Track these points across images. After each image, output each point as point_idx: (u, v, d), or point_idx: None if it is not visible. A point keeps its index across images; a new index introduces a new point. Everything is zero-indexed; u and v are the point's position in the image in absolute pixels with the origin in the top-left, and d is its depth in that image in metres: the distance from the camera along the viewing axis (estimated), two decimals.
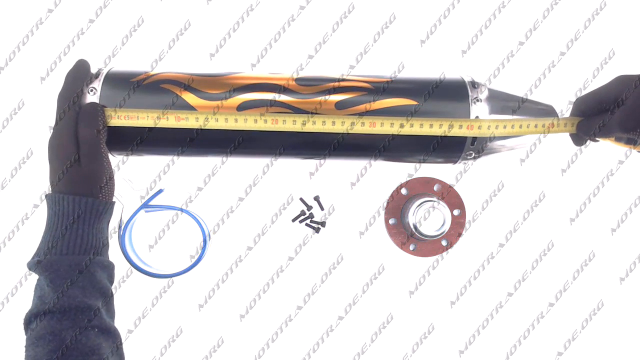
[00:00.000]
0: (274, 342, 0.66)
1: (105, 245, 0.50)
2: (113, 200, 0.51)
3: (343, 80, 0.53)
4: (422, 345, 0.67)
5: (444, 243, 0.67)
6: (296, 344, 0.67)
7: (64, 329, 0.43)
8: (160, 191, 0.65)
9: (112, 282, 0.50)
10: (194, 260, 0.64)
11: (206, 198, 0.67)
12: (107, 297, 0.48)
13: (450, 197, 0.67)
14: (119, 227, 0.64)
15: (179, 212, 0.65)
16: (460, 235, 0.67)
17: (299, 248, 0.67)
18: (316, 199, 0.68)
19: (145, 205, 0.64)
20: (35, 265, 0.46)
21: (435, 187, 0.68)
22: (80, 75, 0.51)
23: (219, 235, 0.67)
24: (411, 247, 0.67)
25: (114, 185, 0.51)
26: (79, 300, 0.44)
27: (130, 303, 0.65)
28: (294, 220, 0.68)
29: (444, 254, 0.67)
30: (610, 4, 0.68)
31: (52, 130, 0.50)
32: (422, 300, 0.67)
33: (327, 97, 0.51)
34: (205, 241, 0.65)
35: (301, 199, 0.68)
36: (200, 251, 0.65)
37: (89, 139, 0.49)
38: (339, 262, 0.67)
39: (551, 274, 0.67)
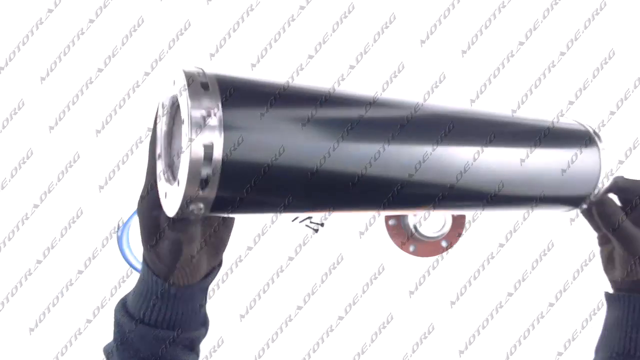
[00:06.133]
0: (274, 342, 0.66)
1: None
2: (193, 282, 0.39)
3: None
4: (422, 345, 0.67)
5: (444, 244, 0.67)
6: (296, 344, 0.67)
7: None
8: None
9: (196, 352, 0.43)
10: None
11: None
12: None
13: None
14: (118, 227, 0.64)
15: None
16: (460, 235, 0.67)
17: (299, 248, 0.67)
18: None
19: None
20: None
21: None
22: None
23: None
24: (411, 248, 0.67)
25: (194, 266, 0.38)
26: None
27: None
28: (293, 220, 0.68)
29: (444, 254, 0.67)
30: (610, 4, 0.68)
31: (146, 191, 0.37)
32: (422, 300, 0.67)
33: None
34: None
35: None
36: None
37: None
38: (339, 262, 0.67)
39: (551, 274, 0.67)
